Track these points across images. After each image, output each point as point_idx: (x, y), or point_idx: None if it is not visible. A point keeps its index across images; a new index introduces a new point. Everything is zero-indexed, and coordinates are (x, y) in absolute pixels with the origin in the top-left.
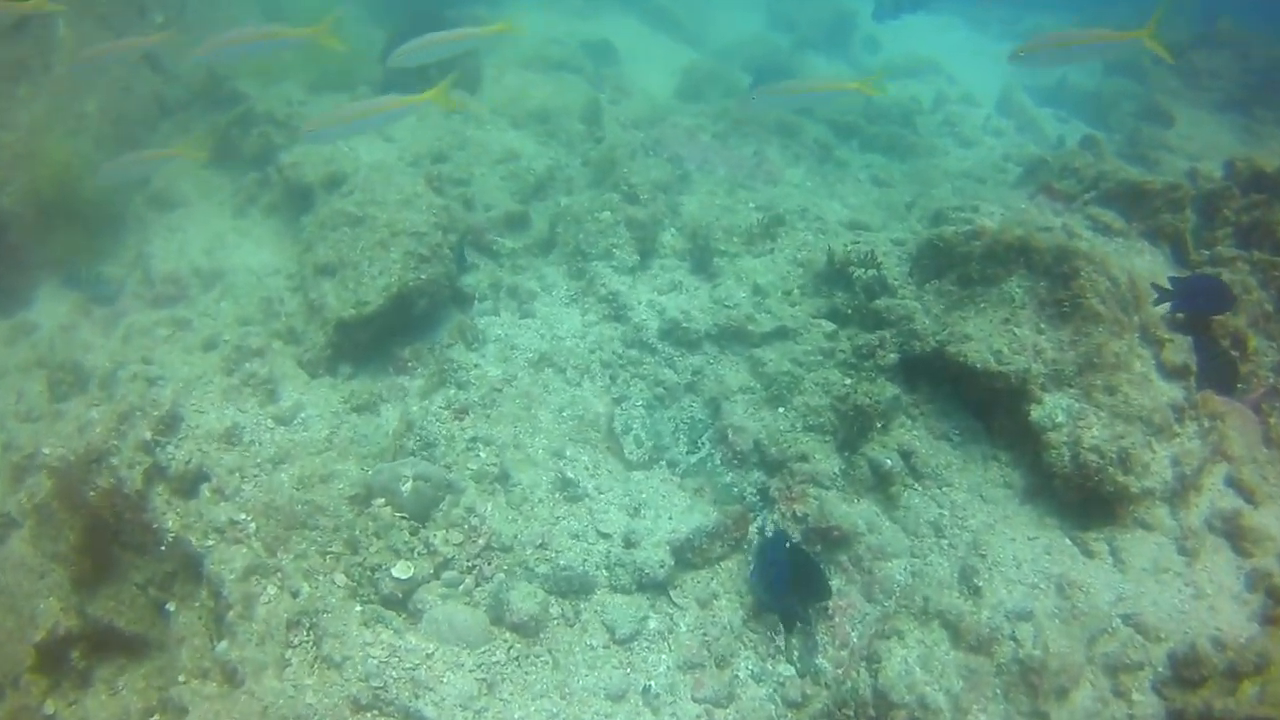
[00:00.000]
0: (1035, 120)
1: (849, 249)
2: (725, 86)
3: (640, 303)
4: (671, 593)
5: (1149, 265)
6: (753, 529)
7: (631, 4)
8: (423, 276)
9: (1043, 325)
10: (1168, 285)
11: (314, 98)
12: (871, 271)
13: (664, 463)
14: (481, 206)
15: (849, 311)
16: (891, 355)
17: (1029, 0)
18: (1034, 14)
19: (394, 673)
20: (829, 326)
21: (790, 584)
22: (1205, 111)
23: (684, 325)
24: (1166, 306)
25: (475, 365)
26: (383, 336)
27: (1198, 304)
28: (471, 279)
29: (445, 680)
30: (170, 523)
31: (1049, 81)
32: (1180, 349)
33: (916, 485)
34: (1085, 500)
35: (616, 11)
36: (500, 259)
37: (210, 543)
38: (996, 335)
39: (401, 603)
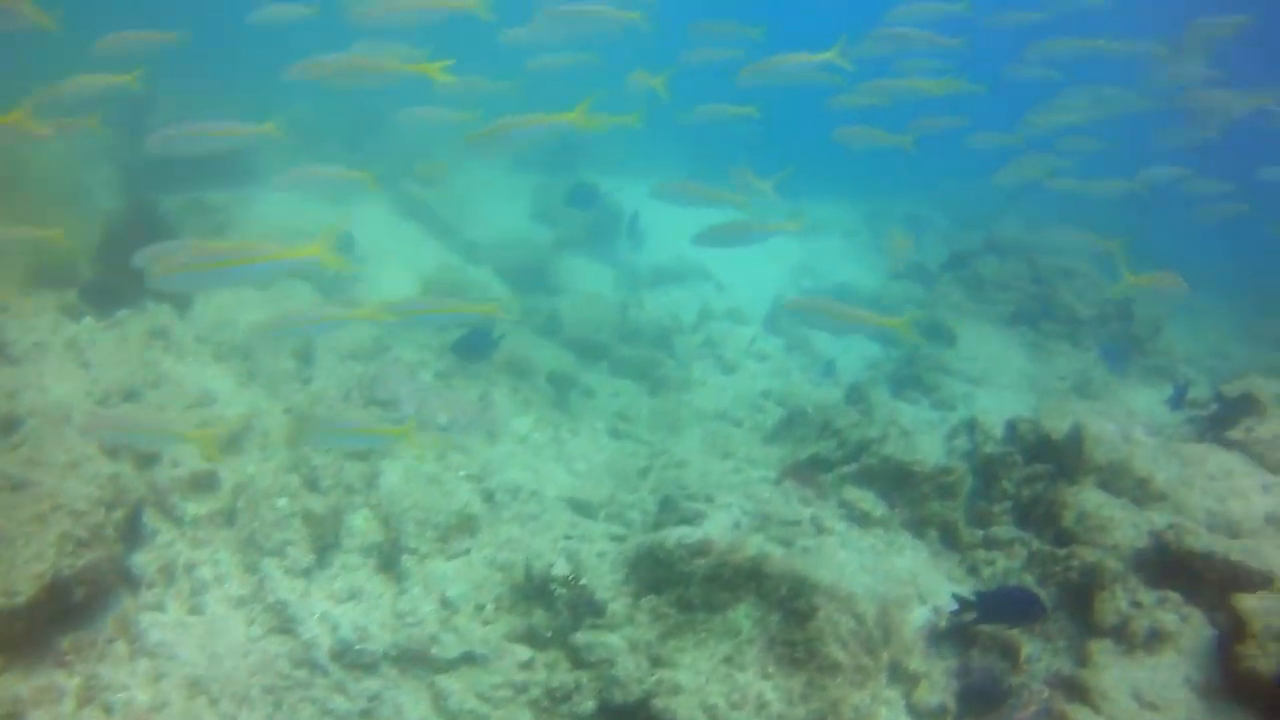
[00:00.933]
0: (807, 337)
1: (548, 567)
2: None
3: (313, 614)
4: None
5: (910, 566)
6: None
7: (385, 188)
8: (80, 563)
9: (771, 668)
10: (960, 598)
11: None
12: (574, 590)
13: None
14: (168, 462)
15: (549, 634)
16: (588, 703)
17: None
18: (825, 206)
19: None
20: (524, 654)
21: None
22: (992, 326)
23: (359, 645)
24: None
25: (124, 686)
26: (37, 626)
27: (1005, 617)
28: (144, 556)
29: None
30: None
31: (826, 285)
32: (936, 686)
33: None
34: None
35: (372, 195)
36: (183, 527)
37: None
38: (714, 682)
39: None
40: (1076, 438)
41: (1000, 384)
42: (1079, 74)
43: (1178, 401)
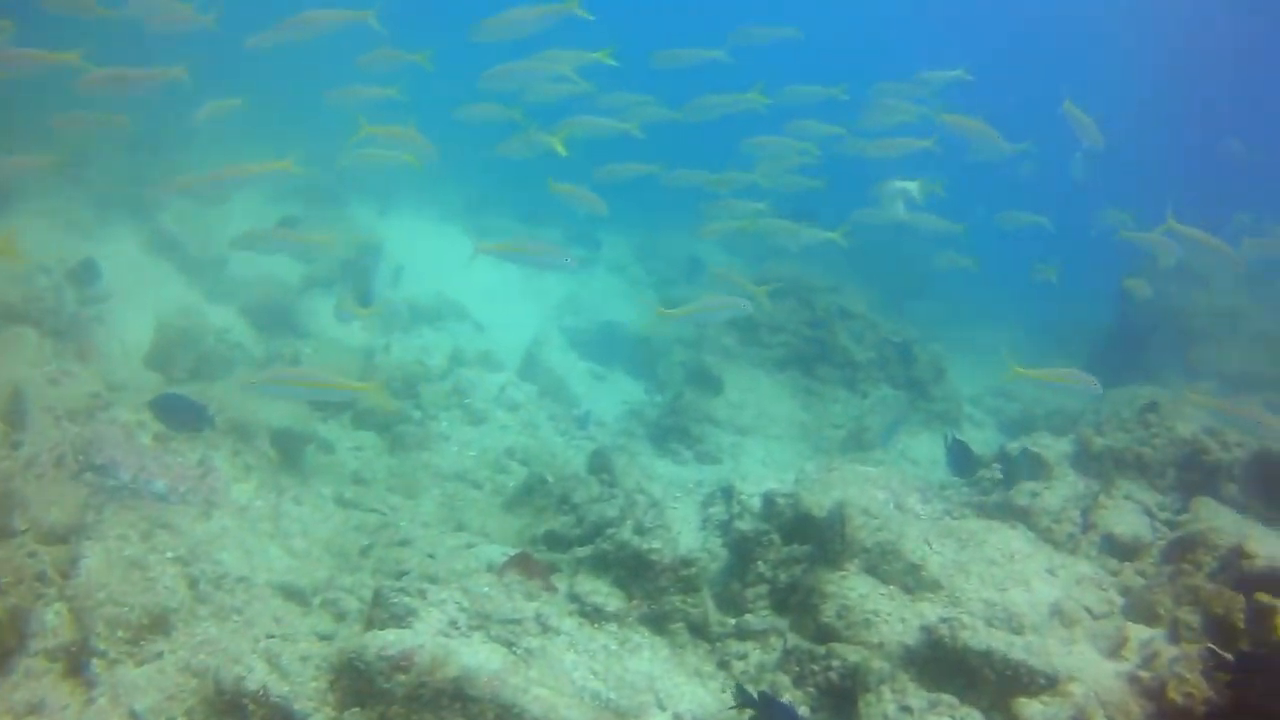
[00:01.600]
0: (564, 381)
1: (241, 677)
2: (198, 354)
3: None
4: None
5: (648, 669)
6: None
7: (143, 219)
8: None
9: None
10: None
11: None
12: (267, 707)
13: None
14: None
15: None
16: None
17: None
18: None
19: None
20: None
21: None
22: (764, 371)
23: None
24: None
25: None
26: None
27: None
28: None
29: None
30: None
31: (591, 324)
32: None
33: None
34: None
35: (126, 227)
36: None
37: None
38: None
39: None
40: (839, 517)
41: (771, 434)
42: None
43: (958, 465)
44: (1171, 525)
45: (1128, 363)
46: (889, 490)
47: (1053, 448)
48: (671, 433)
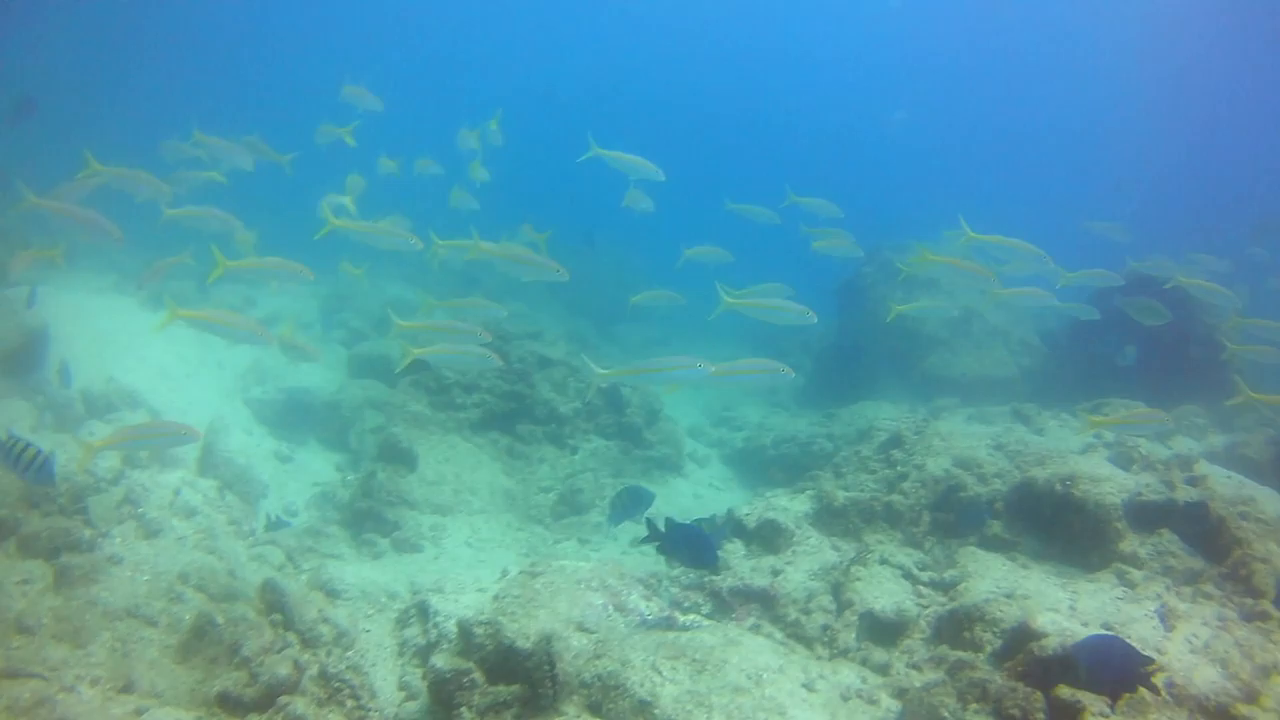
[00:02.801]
0: (247, 471)
1: None
2: None
3: None
4: None
5: None
6: None
7: None
8: None
9: None
10: None
11: None
12: None
13: None
14: None
15: None
16: None
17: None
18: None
19: None
20: None
21: None
22: (461, 436)
23: None
24: None
25: None
26: None
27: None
28: None
29: None
30: None
31: (278, 394)
32: None
33: None
34: None
35: None
36: None
37: None
38: None
39: None
40: (546, 656)
41: (474, 508)
42: None
43: (671, 542)
44: (938, 586)
45: (847, 375)
46: (605, 590)
47: (790, 509)
48: (367, 519)
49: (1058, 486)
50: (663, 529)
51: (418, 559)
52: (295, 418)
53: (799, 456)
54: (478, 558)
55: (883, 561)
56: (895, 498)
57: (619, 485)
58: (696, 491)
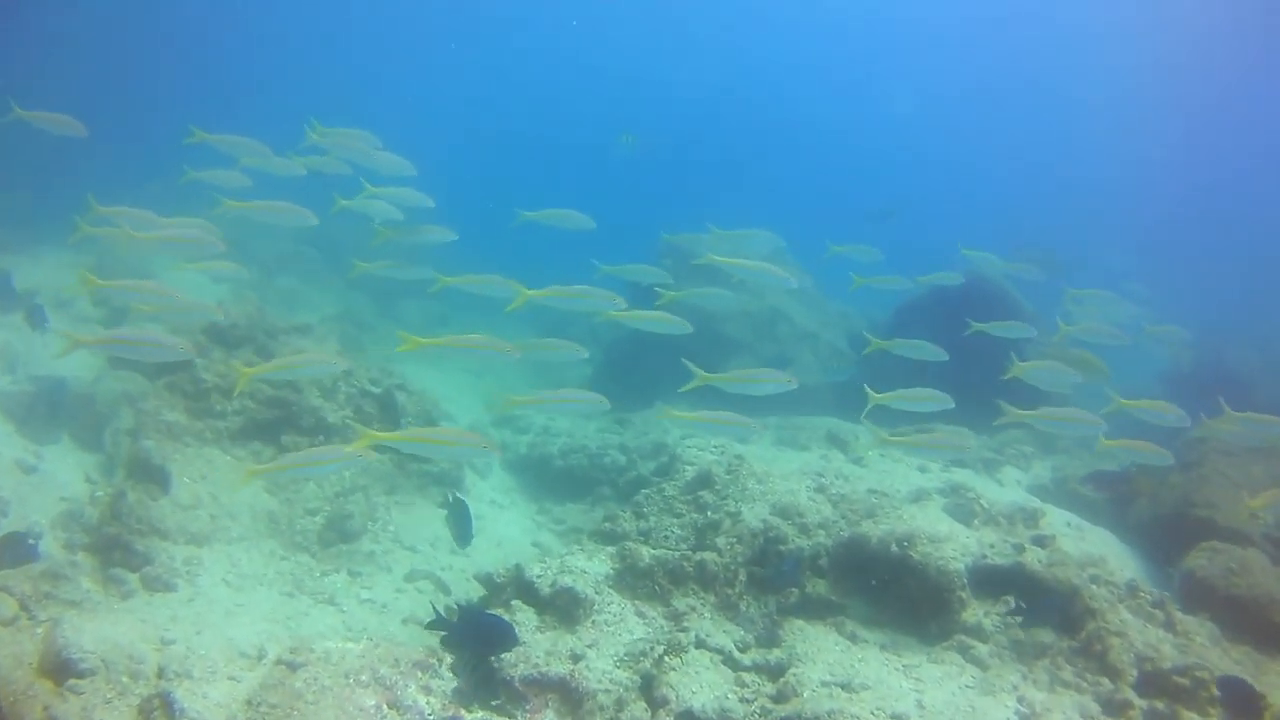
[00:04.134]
0: None
1: None
2: None
3: None
4: None
5: None
6: None
7: None
8: None
9: None
10: None
11: None
12: None
13: None
14: None
15: None
16: None
17: None
18: None
19: None
20: None
21: None
22: (220, 448)
23: None
24: None
25: None
26: None
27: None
28: None
29: None
30: None
31: (29, 385)
32: None
33: None
34: None
35: None
36: None
37: None
38: None
39: None
40: None
41: (233, 536)
42: None
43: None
44: (763, 671)
45: (640, 372)
46: (378, 685)
47: (589, 572)
48: (116, 547)
49: (894, 548)
50: (453, 618)
51: (170, 601)
52: (47, 412)
53: (588, 469)
54: (236, 600)
55: (699, 644)
56: (708, 556)
57: (393, 503)
58: (478, 510)
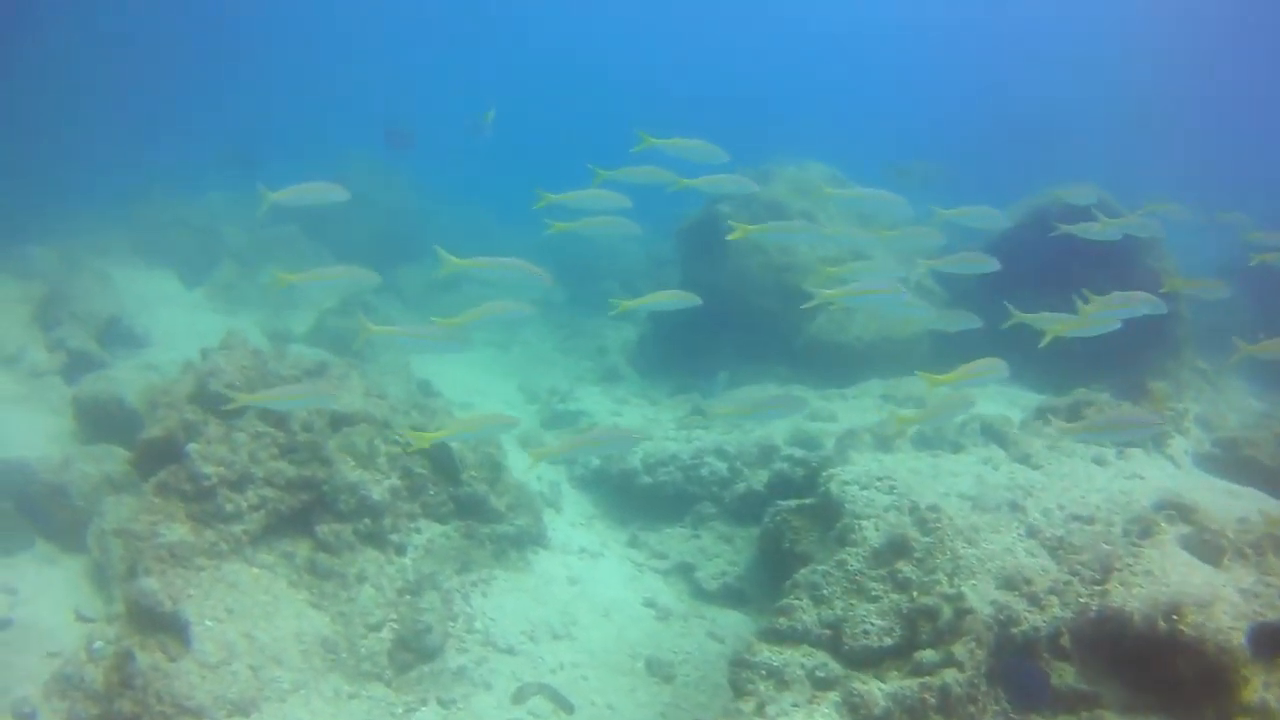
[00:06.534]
0: None
1: None
2: None
3: None
4: None
5: None
6: None
7: None
8: None
9: None
10: None
11: None
12: None
13: None
14: None
15: None
16: None
17: None
18: None
19: None
20: None
21: None
22: (241, 558)
23: None
24: None
25: None
26: None
27: None
28: None
29: None
30: None
31: None
32: None
33: None
34: None
35: None
36: None
37: None
38: None
39: None
40: None
41: (284, 687)
42: None
43: None
44: None
45: (697, 338)
46: None
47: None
48: None
49: (1161, 624)
50: None
51: None
52: (10, 510)
53: (683, 484)
54: None
55: None
56: (950, 676)
57: (470, 587)
58: (567, 564)
